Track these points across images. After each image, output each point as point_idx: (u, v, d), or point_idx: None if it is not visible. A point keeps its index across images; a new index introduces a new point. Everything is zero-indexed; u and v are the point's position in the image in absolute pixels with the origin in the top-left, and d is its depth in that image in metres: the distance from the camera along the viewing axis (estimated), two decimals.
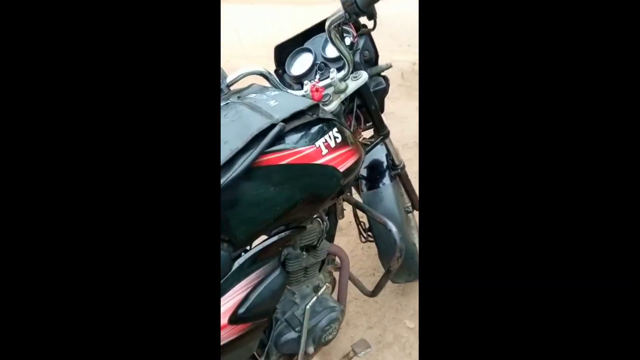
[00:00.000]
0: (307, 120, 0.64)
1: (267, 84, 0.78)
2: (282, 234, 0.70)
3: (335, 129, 0.68)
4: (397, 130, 2.26)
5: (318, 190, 0.67)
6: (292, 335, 0.79)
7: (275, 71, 0.93)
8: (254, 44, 3.10)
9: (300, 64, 0.90)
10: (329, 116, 0.68)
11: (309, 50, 0.89)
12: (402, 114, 2.44)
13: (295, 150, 0.62)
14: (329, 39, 0.71)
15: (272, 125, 0.60)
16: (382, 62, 0.93)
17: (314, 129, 0.65)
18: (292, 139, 0.63)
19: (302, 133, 0.64)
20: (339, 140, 0.68)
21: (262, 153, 0.59)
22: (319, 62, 0.85)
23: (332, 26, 0.69)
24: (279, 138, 0.61)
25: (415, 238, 1.25)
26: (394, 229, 0.84)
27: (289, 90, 0.80)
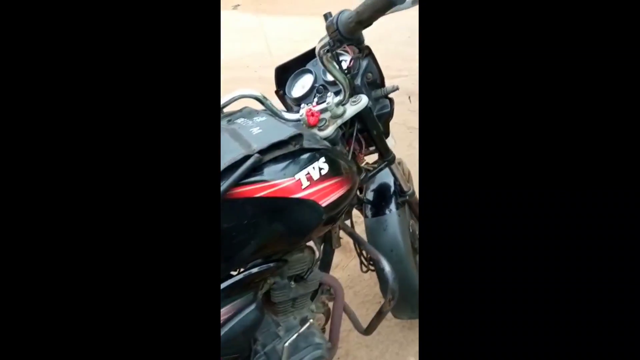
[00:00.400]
0: (288, 151, 0.61)
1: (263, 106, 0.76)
2: (259, 267, 0.66)
3: (322, 159, 0.64)
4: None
5: (296, 225, 0.63)
6: None
7: (276, 92, 0.90)
8: (283, 54, 3.15)
9: (302, 85, 0.87)
10: (316, 145, 0.64)
11: (310, 71, 0.86)
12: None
13: (273, 182, 0.59)
14: (321, 64, 0.67)
15: (247, 157, 0.57)
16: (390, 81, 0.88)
17: (296, 160, 0.61)
18: (270, 170, 0.59)
19: (282, 164, 0.60)
20: (324, 172, 0.64)
21: (236, 185, 0.56)
22: (318, 84, 0.81)
23: (322, 51, 0.65)
24: (256, 169, 0.58)
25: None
26: (386, 267, 0.78)
27: (284, 114, 0.77)
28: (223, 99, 0.72)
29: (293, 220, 0.62)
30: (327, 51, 0.64)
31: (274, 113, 0.75)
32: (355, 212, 1.05)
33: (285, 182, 0.59)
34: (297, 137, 0.62)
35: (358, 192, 1.07)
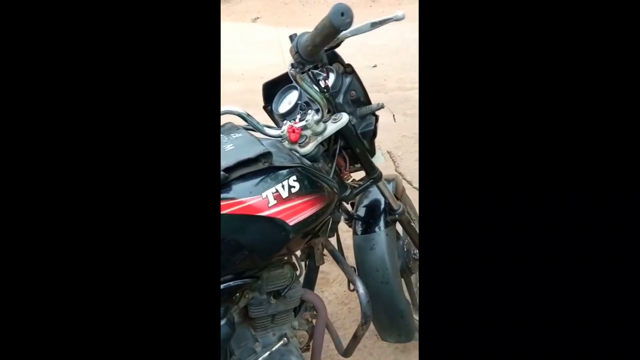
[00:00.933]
0: (257, 169, 0.61)
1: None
2: (227, 284, 0.66)
3: (292, 178, 0.64)
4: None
5: (261, 243, 0.63)
6: None
7: (264, 107, 0.91)
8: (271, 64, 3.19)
9: (288, 102, 0.87)
10: (287, 163, 0.64)
11: (296, 88, 0.86)
12: None
13: (239, 200, 0.59)
14: (295, 83, 0.67)
15: None
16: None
17: (264, 178, 0.61)
18: (237, 187, 0.59)
19: (250, 182, 0.60)
20: (294, 190, 0.63)
21: None
22: (301, 102, 0.82)
23: (293, 72, 0.65)
24: (223, 186, 0.58)
25: (415, 293, 1.13)
26: (360, 289, 0.76)
27: (267, 130, 0.77)
28: None
29: (259, 238, 0.62)
30: (299, 72, 0.65)
31: (256, 129, 0.76)
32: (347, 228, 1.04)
33: (252, 200, 0.59)
34: (267, 155, 0.62)
35: (349, 208, 1.06)
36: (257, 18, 4.51)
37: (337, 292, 1.42)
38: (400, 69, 3.67)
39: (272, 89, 0.89)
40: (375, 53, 4.14)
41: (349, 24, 0.54)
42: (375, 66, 3.82)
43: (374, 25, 0.67)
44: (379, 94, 3.09)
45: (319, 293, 1.44)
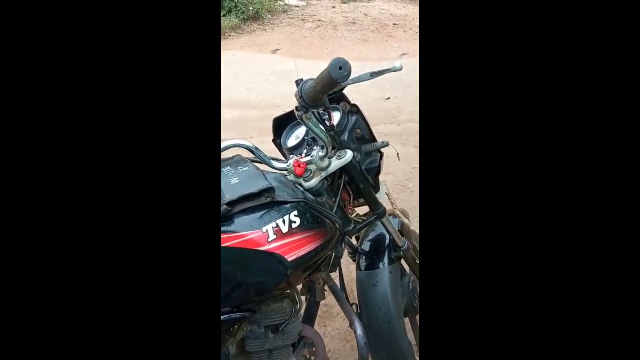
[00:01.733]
0: (259, 203, 0.62)
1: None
2: (224, 316, 0.66)
3: (294, 213, 0.65)
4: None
5: (259, 278, 0.63)
6: None
7: (273, 141, 0.94)
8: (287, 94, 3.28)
9: (296, 136, 0.90)
10: (289, 198, 0.65)
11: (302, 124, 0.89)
12: None
13: (239, 233, 0.60)
14: (301, 122, 0.70)
15: None
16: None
17: (265, 213, 0.62)
18: (239, 221, 0.61)
19: (251, 216, 0.61)
20: (295, 225, 0.64)
21: None
22: (308, 137, 0.84)
23: (299, 113, 0.69)
24: (225, 219, 0.60)
25: (416, 331, 1.09)
26: (358, 330, 0.74)
27: (274, 163, 0.80)
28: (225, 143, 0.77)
29: (256, 272, 0.62)
30: (304, 113, 0.68)
31: (263, 161, 0.78)
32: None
33: (252, 234, 0.60)
34: (270, 190, 0.63)
35: (354, 241, 1.05)
36: (277, 50, 4.71)
37: (340, 328, 1.38)
38: (413, 102, 3.72)
39: (282, 123, 0.92)
40: (389, 86, 4.23)
41: (347, 76, 0.58)
42: (388, 98, 3.89)
43: (374, 75, 0.72)
44: (392, 126, 3.13)
45: (321, 327, 1.41)
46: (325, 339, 1.39)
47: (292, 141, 0.90)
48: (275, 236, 0.62)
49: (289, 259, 0.62)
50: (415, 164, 2.46)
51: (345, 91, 0.88)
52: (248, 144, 0.77)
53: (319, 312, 1.46)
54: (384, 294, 0.90)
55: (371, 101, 3.92)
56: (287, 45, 4.79)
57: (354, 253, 1.00)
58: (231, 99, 3.33)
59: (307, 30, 5.13)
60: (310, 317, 0.90)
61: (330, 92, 0.74)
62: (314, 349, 0.87)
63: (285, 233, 0.63)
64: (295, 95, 0.67)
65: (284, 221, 0.63)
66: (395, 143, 2.89)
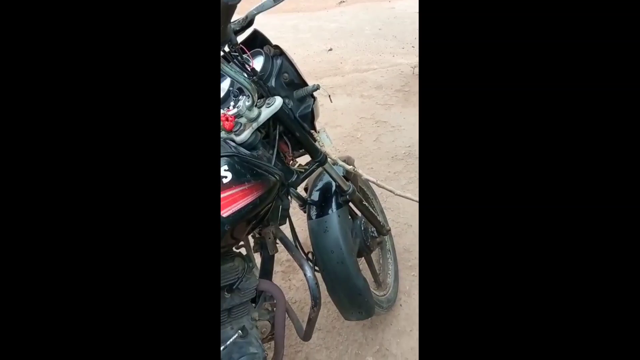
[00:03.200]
0: None
1: None
2: None
3: (224, 167, 0.62)
4: (388, 141, 2.16)
5: None
6: None
7: None
8: None
9: (221, 89, 0.84)
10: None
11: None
12: (396, 123, 2.32)
13: None
14: (223, 71, 0.65)
15: None
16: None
17: None
18: None
19: None
20: (226, 180, 0.61)
21: None
22: (234, 88, 0.79)
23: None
24: None
25: (377, 270, 1.15)
26: (308, 273, 0.76)
27: None
28: None
29: None
30: (230, 55, 0.62)
31: None
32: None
33: None
34: None
35: (304, 193, 1.05)
36: None
37: (304, 279, 1.42)
38: (355, 51, 3.67)
39: None
40: (330, 37, 4.10)
41: None
42: (330, 50, 3.78)
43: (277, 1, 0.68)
44: (336, 78, 3.08)
45: (286, 281, 1.45)
46: (290, 291, 1.44)
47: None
48: None
49: (224, 215, 0.60)
50: (362, 113, 2.48)
51: (284, 45, 0.82)
52: None
53: (283, 268, 1.50)
54: (335, 237, 0.92)
55: (313, 54, 3.79)
56: None
57: (304, 205, 1.01)
58: None
59: None
60: (266, 272, 0.91)
61: (239, 28, 0.67)
62: (274, 302, 0.89)
63: None
64: None
65: None
66: (341, 95, 2.87)
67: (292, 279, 1.44)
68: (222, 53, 0.63)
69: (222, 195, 0.60)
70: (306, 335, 0.87)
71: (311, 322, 0.83)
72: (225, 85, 0.83)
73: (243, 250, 0.85)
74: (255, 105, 0.72)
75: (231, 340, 0.74)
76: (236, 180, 0.62)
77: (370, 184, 1.28)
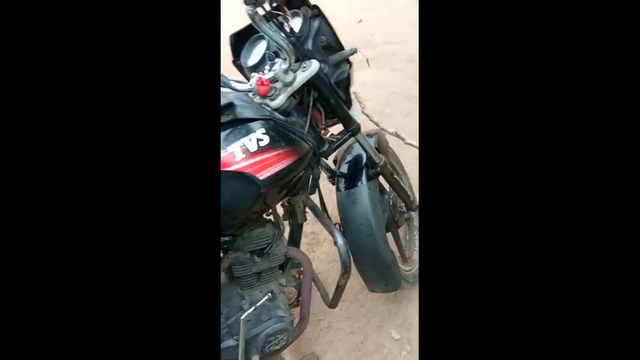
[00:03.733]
0: (221, 122, 0.58)
1: None
2: None
3: (260, 130, 0.61)
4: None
5: (232, 200, 0.61)
6: (230, 342, 0.76)
7: (233, 62, 0.86)
8: None
9: (257, 53, 0.82)
10: (253, 115, 0.61)
11: (264, 37, 0.81)
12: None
13: None
14: (254, 24, 0.62)
15: None
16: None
17: (229, 132, 0.58)
18: None
19: None
20: (263, 143, 0.61)
21: None
22: (270, 51, 0.77)
23: (251, 12, 0.60)
24: None
25: (403, 246, 1.13)
26: (339, 240, 0.76)
27: (235, 85, 0.73)
28: None
29: (228, 194, 0.60)
30: (254, 10, 0.59)
31: (225, 84, 0.72)
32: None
33: None
34: (229, 107, 0.59)
35: (333, 166, 1.04)
36: None
37: (327, 251, 1.44)
38: (386, 23, 3.50)
39: (240, 41, 0.83)
40: (360, 7, 3.93)
41: None
42: (360, 21, 3.63)
43: None
44: (366, 50, 2.96)
45: (310, 253, 1.47)
46: (314, 262, 1.46)
47: (253, 59, 0.82)
48: (243, 155, 0.58)
49: (261, 178, 0.60)
50: (393, 88, 2.39)
51: None
52: None
53: (307, 240, 1.52)
54: (364, 209, 0.91)
55: (342, 25, 3.65)
56: None
57: (333, 177, 1.00)
58: None
59: None
60: (294, 240, 0.92)
61: None
62: (301, 269, 0.90)
63: (254, 152, 0.59)
64: None
65: (250, 140, 0.59)
66: (371, 69, 2.77)
67: (315, 251, 1.46)
68: (262, 11, 0.60)
69: (258, 158, 0.60)
70: (333, 303, 0.88)
71: (339, 289, 0.83)
72: (261, 49, 0.81)
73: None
74: (291, 69, 0.70)
75: (260, 302, 0.76)
76: (272, 144, 0.61)
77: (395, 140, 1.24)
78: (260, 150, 0.60)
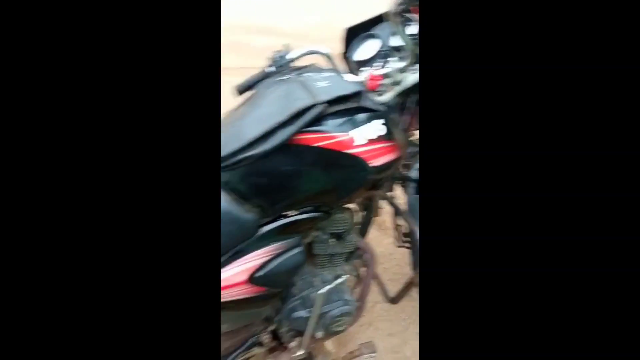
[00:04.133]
0: (349, 107, 0.63)
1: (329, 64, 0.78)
2: (307, 214, 0.70)
3: (380, 122, 0.66)
4: None
5: (342, 180, 0.66)
6: (302, 314, 0.80)
7: (343, 54, 0.92)
8: (318, 24, 3.09)
9: (365, 49, 0.87)
10: (377, 107, 0.66)
11: (375, 36, 0.86)
12: None
13: (330, 134, 0.62)
14: (392, 23, 0.67)
15: (313, 106, 0.60)
16: None
17: (353, 117, 0.63)
18: (330, 123, 0.62)
19: (341, 119, 0.63)
20: (380, 134, 0.66)
21: (299, 131, 0.60)
22: (384, 49, 0.82)
23: (393, 12, 0.66)
24: (319, 119, 0.61)
25: None
26: (417, 236, 0.79)
27: (345, 76, 0.79)
28: (291, 54, 0.76)
29: (341, 173, 0.65)
30: (401, 11, 0.65)
31: (335, 75, 0.78)
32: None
33: (340, 137, 0.62)
34: (359, 95, 0.64)
35: (403, 169, 1.07)
36: None
37: (381, 252, 1.47)
38: None
39: (353, 35, 0.89)
40: None
41: None
42: None
43: None
44: None
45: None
46: None
47: (360, 54, 0.87)
48: (362, 141, 0.63)
49: (371, 165, 0.65)
50: None
51: None
52: (325, 50, 0.76)
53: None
54: None
55: None
56: None
57: (404, 180, 1.03)
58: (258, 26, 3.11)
59: None
60: (363, 232, 0.96)
61: None
62: (363, 261, 0.94)
63: (371, 140, 0.64)
64: None
65: (369, 128, 0.64)
66: None
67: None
68: (399, 9, 0.65)
69: (373, 147, 0.65)
70: (396, 298, 0.91)
71: (410, 286, 0.86)
72: (371, 46, 0.86)
73: None
74: (402, 70, 0.75)
75: (337, 282, 0.80)
76: (387, 136, 0.66)
77: None
78: (377, 139, 0.65)
